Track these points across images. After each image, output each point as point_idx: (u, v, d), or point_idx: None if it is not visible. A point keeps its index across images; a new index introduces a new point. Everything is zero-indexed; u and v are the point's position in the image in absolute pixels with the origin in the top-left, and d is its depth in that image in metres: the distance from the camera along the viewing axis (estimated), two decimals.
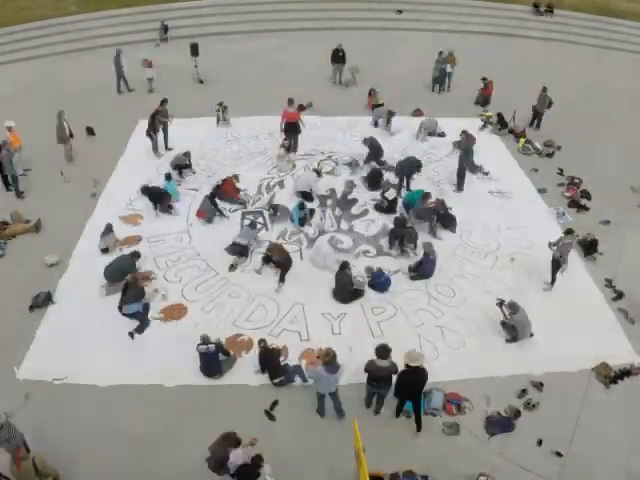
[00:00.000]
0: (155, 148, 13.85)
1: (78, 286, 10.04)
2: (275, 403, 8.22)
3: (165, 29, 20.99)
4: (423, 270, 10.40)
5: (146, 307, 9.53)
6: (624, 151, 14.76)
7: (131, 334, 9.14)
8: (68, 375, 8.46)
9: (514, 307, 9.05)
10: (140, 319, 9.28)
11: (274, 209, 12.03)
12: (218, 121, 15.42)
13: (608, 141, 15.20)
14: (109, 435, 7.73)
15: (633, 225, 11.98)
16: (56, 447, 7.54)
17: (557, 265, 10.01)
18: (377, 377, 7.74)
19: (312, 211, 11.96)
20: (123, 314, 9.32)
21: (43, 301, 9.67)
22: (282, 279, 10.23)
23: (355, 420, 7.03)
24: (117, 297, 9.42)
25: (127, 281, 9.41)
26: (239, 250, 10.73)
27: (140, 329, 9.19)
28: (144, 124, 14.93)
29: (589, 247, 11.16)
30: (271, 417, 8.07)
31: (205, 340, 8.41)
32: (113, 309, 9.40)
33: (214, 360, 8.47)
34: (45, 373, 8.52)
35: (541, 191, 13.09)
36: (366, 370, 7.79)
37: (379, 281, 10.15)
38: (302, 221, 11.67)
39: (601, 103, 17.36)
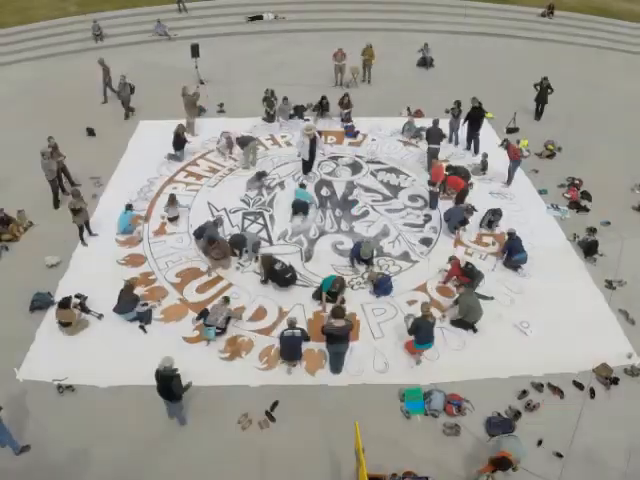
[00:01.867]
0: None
1: (78, 287, 10.03)
2: (275, 404, 8.22)
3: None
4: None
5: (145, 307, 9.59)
6: (624, 152, 14.75)
7: (142, 327, 9.29)
8: (68, 376, 8.45)
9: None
10: (141, 318, 9.38)
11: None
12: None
13: (608, 142, 15.20)
14: (109, 435, 7.73)
15: (633, 226, 11.98)
16: (56, 447, 7.55)
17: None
18: (336, 337, 8.23)
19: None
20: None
21: (43, 302, 9.65)
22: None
23: (355, 420, 7.02)
24: None
25: (122, 288, 9.42)
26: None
27: (148, 321, 9.39)
28: (144, 125, 14.97)
29: (589, 248, 11.16)
30: (271, 417, 8.07)
31: (292, 324, 8.61)
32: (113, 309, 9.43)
33: (298, 345, 8.58)
34: (45, 374, 8.52)
35: (541, 192, 13.09)
36: (324, 332, 8.29)
37: (384, 287, 10.09)
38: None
39: (601, 104, 17.36)
